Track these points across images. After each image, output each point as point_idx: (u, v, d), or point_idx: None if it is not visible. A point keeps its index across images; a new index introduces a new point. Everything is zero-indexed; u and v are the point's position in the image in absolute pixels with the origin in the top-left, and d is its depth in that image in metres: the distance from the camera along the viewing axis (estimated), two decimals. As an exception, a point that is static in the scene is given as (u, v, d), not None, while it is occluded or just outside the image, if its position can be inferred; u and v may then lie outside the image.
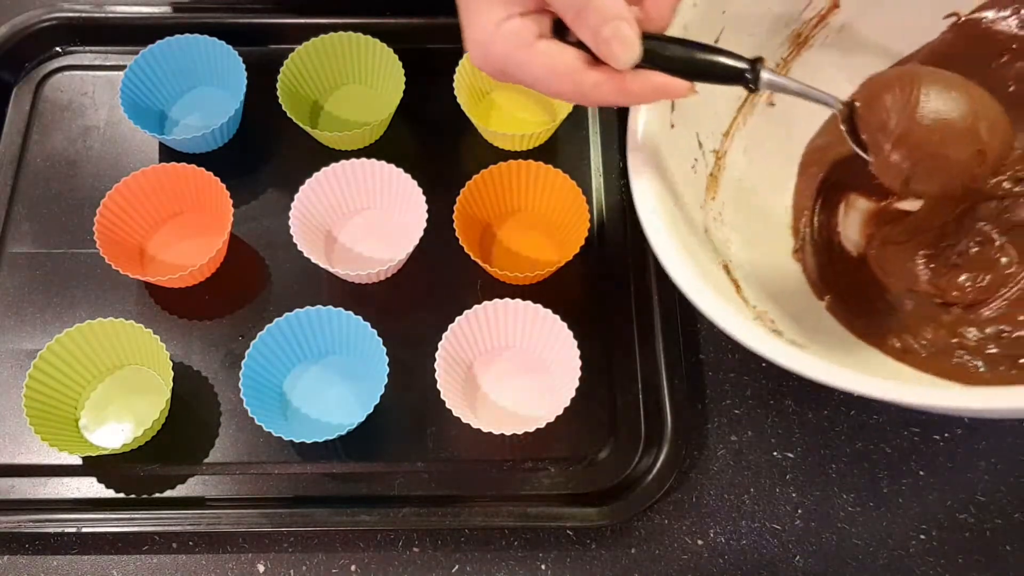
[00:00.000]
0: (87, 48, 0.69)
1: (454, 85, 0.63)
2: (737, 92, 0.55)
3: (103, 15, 0.68)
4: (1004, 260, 0.52)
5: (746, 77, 0.44)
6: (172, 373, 0.55)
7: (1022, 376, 0.49)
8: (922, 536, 0.55)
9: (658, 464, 0.55)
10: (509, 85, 0.67)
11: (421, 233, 0.58)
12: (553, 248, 0.62)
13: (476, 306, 0.56)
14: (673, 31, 0.47)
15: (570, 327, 0.55)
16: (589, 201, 0.62)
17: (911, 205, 0.55)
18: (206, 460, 0.56)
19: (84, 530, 0.54)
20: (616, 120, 0.65)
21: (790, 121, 0.58)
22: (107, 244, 0.58)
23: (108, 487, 0.55)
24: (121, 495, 0.55)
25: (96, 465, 0.56)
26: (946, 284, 0.53)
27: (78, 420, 0.56)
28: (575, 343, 0.55)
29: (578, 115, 0.65)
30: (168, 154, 0.65)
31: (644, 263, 0.60)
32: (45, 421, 0.54)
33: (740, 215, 0.55)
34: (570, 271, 0.60)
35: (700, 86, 0.44)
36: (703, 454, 0.57)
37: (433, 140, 0.66)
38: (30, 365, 0.54)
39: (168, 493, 0.55)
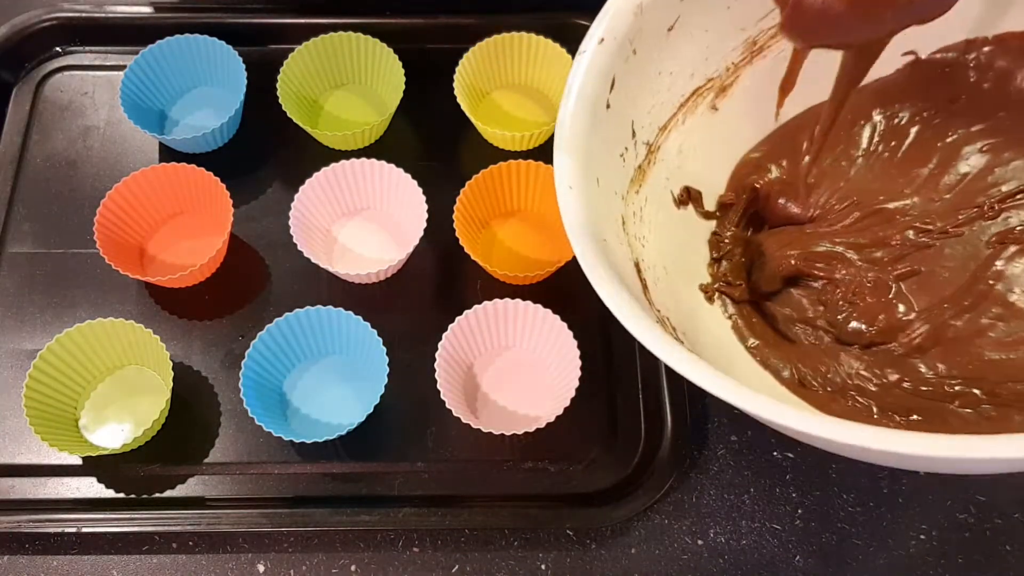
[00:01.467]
0: (87, 48, 0.69)
1: (454, 85, 0.63)
2: (682, 87, 0.54)
3: (103, 15, 0.68)
4: (901, 308, 0.52)
5: None
6: (172, 373, 0.55)
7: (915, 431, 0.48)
8: (922, 536, 0.55)
9: (658, 464, 0.55)
10: (509, 85, 0.67)
11: (421, 233, 0.58)
12: (553, 248, 0.62)
13: (476, 306, 0.56)
14: (628, 8, 0.48)
15: (570, 327, 0.55)
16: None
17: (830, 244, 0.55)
18: (206, 460, 0.56)
19: (84, 530, 0.54)
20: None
21: (730, 129, 0.58)
22: (107, 244, 0.58)
23: (108, 487, 0.55)
24: (121, 495, 0.55)
25: (96, 465, 0.56)
26: (841, 321, 0.53)
27: (78, 420, 0.56)
28: (575, 343, 0.55)
29: (578, 115, 0.65)
30: (168, 154, 0.65)
31: (644, 263, 0.60)
32: (45, 421, 0.54)
33: (660, 215, 0.54)
34: (570, 271, 0.59)
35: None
36: (703, 454, 0.57)
37: (433, 140, 0.66)
38: (30, 365, 0.54)
39: (168, 493, 0.55)
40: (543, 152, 0.65)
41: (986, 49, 0.56)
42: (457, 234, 0.58)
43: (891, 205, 0.55)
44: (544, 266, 0.59)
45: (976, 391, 0.49)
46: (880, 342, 0.52)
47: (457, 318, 0.56)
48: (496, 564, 0.54)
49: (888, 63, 0.57)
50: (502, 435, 0.54)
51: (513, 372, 0.58)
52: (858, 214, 0.56)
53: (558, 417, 0.53)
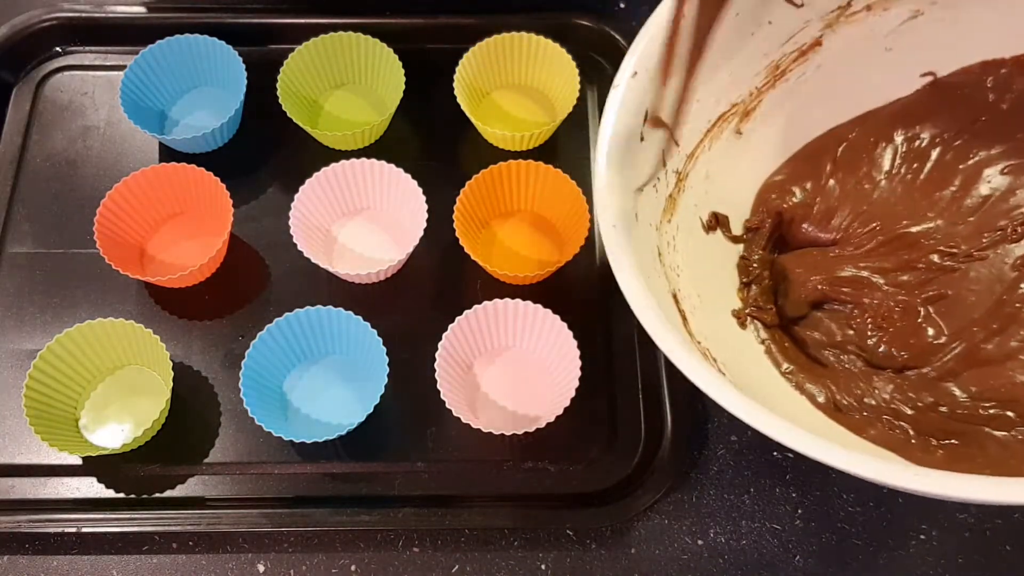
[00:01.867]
0: (87, 48, 0.69)
1: (454, 85, 0.63)
2: (708, 114, 0.54)
3: (103, 15, 0.68)
4: (931, 331, 0.53)
5: None
6: (172, 373, 0.55)
7: (952, 458, 0.49)
8: (922, 536, 0.55)
9: (658, 464, 0.55)
10: (509, 85, 0.67)
11: (421, 233, 0.58)
12: (553, 248, 0.62)
13: (476, 306, 0.56)
14: (656, 41, 0.48)
15: (570, 327, 0.55)
16: (589, 201, 0.62)
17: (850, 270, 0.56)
18: (206, 460, 0.56)
19: (84, 530, 0.54)
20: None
21: (754, 153, 0.58)
22: (107, 244, 0.58)
23: (108, 487, 0.55)
24: (121, 495, 0.55)
25: (96, 465, 0.56)
26: (871, 346, 0.53)
27: (78, 420, 0.56)
28: (575, 343, 0.55)
29: (578, 115, 0.65)
30: (168, 154, 0.65)
31: (644, 263, 0.60)
32: (45, 421, 0.54)
33: (691, 242, 0.54)
34: (570, 271, 0.60)
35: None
36: (703, 454, 0.57)
37: (433, 140, 0.66)
38: (30, 365, 0.54)
39: (168, 493, 0.55)
40: (543, 152, 0.65)
41: (1003, 71, 0.56)
42: (457, 234, 0.58)
43: (915, 229, 0.55)
44: (544, 266, 0.59)
45: (1010, 413, 0.49)
46: (913, 366, 0.52)
47: (457, 318, 0.56)
48: (496, 564, 0.54)
49: (907, 84, 0.58)
50: (502, 435, 0.54)
51: (513, 372, 0.58)
52: (882, 238, 0.56)
53: (558, 417, 0.53)
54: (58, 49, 0.68)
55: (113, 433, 0.56)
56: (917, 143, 0.57)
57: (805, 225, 0.57)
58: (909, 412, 0.51)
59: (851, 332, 0.54)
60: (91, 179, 0.64)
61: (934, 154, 0.57)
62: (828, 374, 0.53)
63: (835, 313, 0.55)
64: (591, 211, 0.61)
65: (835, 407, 0.52)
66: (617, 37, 0.67)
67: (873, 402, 0.52)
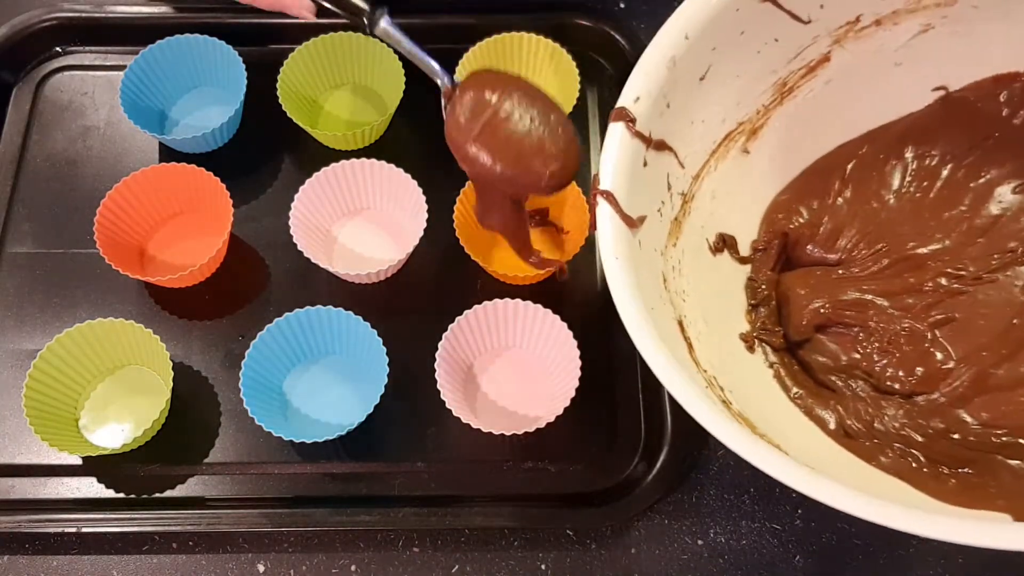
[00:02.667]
0: (87, 48, 0.69)
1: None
2: (714, 134, 0.54)
3: (103, 15, 0.68)
4: (939, 356, 0.51)
5: (363, 21, 0.50)
6: (172, 373, 0.55)
7: (964, 487, 0.48)
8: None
9: (658, 464, 0.55)
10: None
11: (421, 233, 0.58)
12: (553, 248, 0.62)
13: (476, 306, 0.56)
14: (662, 63, 0.48)
15: (570, 327, 0.55)
16: (589, 201, 0.62)
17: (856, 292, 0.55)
18: (206, 460, 0.56)
19: (84, 530, 0.54)
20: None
21: (761, 171, 0.57)
22: (107, 244, 0.58)
23: (108, 487, 0.55)
24: (121, 495, 0.55)
25: (96, 465, 0.56)
26: (879, 371, 0.52)
27: (78, 420, 0.56)
28: (575, 343, 0.55)
29: (579, 116, 0.65)
30: (168, 154, 0.65)
31: (644, 263, 0.60)
32: (45, 421, 0.54)
33: (697, 265, 0.53)
34: (570, 271, 0.60)
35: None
36: (703, 454, 0.57)
37: (433, 140, 0.65)
38: (30, 365, 0.54)
39: (168, 493, 0.55)
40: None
41: (1017, 85, 0.54)
42: (457, 234, 0.58)
43: (922, 250, 0.54)
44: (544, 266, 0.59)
45: (1022, 441, 0.48)
46: (921, 391, 0.51)
47: (457, 318, 0.56)
48: (496, 564, 0.54)
49: (918, 99, 0.56)
50: (502, 435, 0.54)
51: (513, 372, 0.58)
52: (888, 260, 0.55)
53: (558, 417, 0.53)
54: (58, 49, 0.68)
55: (113, 433, 0.56)
56: (927, 161, 0.56)
57: (810, 247, 0.56)
58: (920, 439, 0.50)
59: (857, 356, 0.53)
60: (91, 179, 0.64)
61: (944, 172, 0.56)
62: (837, 399, 0.52)
63: (841, 336, 0.54)
64: (591, 211, 0.61)
65: (845, 434, 0.51)
66: (617, 37, 0.67)
67: (883, 428, 0.50)
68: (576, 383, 0.54)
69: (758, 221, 0.58)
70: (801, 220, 0.57)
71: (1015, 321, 0.51)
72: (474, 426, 0.53)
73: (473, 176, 0.51)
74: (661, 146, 0.50)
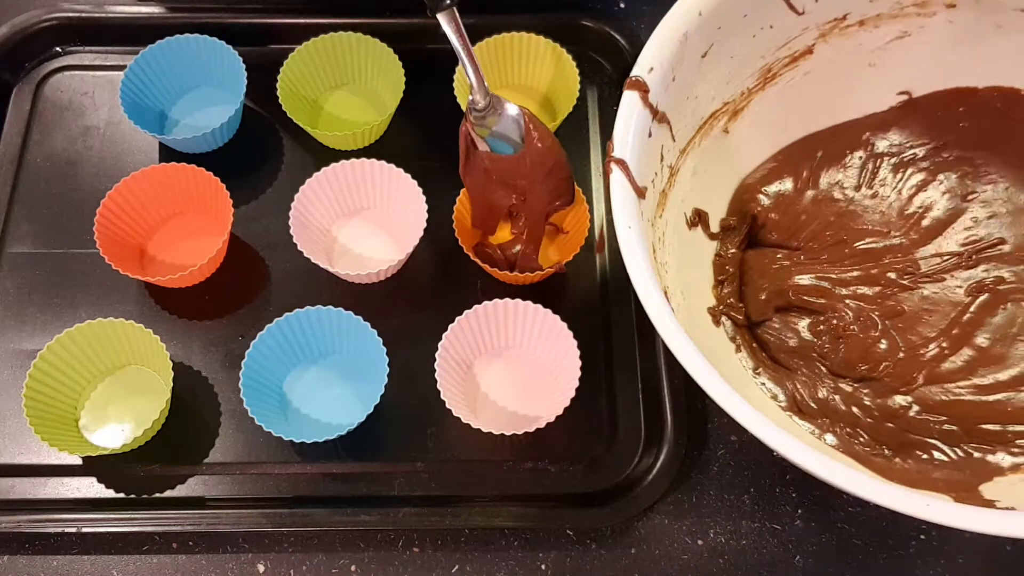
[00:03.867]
0: (87, 48, 0.69)
1: (454, 85, 0.63)
2: (703, 110, 0.55)
3: (103, 15, 0.68)
4: (888, 344, 0.55)
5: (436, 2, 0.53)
6: (172, 373, 0.55)
7: (907, 468, 0.52)
8: (922, 536, 0.55)
9: (658, 464, 0.55)
10: (509, 85, 0.67)
11: (421, 233, 0.58)
12: (553, 248, 0.62)
13: (476, 306, 0.56)
14: (675, 36, 0.50)
15: (570, 327, 0.55)
16: (589, 201, 0.62)
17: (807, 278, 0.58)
18: (206, 460, 0.56)
19: (84, 530, 0.54)
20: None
21: (738, 152, 0.59)
22: (107, 244, 0.58)
23: (108, 487, 0.55)
24: (121, 495, 0.55)
25: (96, 465, 0.56)
26: (832, 354, 0.55)
27: (78, 420, 0.56)
28: (575, 343, 0.55)
29: (578, 115, 0.65)
30: (168, 154, 0.65)
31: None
32: (45, 421, 0.54)
33: (676, 238, 0.55)
34: (570, 271, 0.60)
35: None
36: (703, 454, 0.57)
37: (433, 140, 0.66)
38: (30, 365, 0.54)
39: (168, 493, 0.55)
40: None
41: (975, 100, 0.58)
42: (457, 234, 0.58)
43: (878, 245, 0.58)
44: (544, 266, 0.59)
45: (956, 428, 0.52)
46: (870, 377, 0.54)
47: (457, 318, 0.56)
48: (496, 564, 0.54)
49: (885, 100, 0.60)
50: (502, 435, 0.54)
51: (513, 372, 0.58)
52: (847, 250, 0.58)
53: (558, 417, 0.53)
54: (58, 49, 0.68)
55: (113, 433, 0.56)
56: (889, 160, 0.60)
57: (774, 231, 0.59)
58: (868, 421, 0.53)
59: (812, 339, 0.56)
60: (91, 179, 0.64)
61: (903, 173, 0.59)
62: (792, 377, 0.55)
63: (798, 319, 0.57)
64: (591, 211, 0.61)
65: (799, 410, 0.54)
66: (617, 37, 0.67)
67: (833, 407, 0.54)
68: (576, 383, 0.54)
69: (728, 199, 0.60)
70: (768, 203, 0.59)
71: (957, 318, 0.55)
72: (474, 426, 0.53)
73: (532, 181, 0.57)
74: (663, 119, 0.51)
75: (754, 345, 0.56)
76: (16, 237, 0.62)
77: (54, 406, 0.55)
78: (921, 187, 0.59)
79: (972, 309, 0.55)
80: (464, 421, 0.53)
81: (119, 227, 0.60)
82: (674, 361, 0.57)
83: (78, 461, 0.56)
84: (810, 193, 0.59)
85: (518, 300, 0.56)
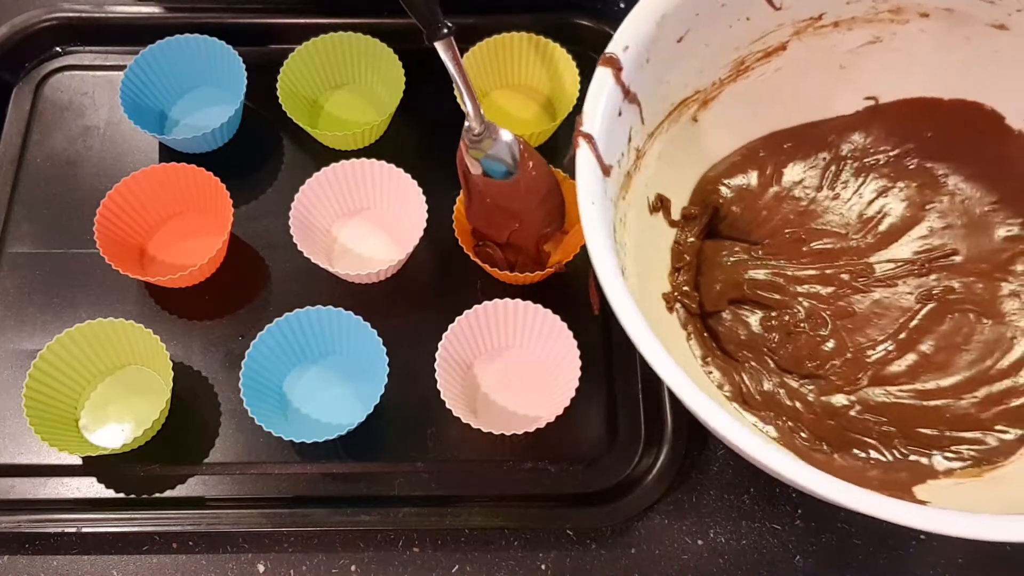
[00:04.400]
0: (87, 48, 0.69)
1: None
2: (673, 97, 0.55)
3: (103, 15, 0.68)
4: (835, 344, 0.56)
5: (429, 31, 0.54)
6: (172, 373, 0.55)
7: (844, 466, 0.53)
8: (922, 536, 0.55)
9: (658, 464, 0.55)
10: (509, 85, 0.67)
11: (421, 233, 0.58)
12: (553, 248, 0.62)
13: (476, 306, 0.56)
14: (651, 18, 0.49)
15: (570, 327, 0.55)
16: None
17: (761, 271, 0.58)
18: (206, 460, 0.56)
19: (84, 530, 0.54)
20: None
21: (704, 142, 0.59)
22: (107, 244, 0.58)
23: (108, 487, 0.56)
24: (121, 495, 0.55)
25: (96, 465, 0.56)
26: (780, 350, 0.56)
27: (78, 420, 0.56)
28: (575, 343, 0.55)
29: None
30: (168, 154, 0.65)
31: (644, 263, 0.60)
32: (45, 421, 0.54)
33: (638, 222, 0.55)
34: (570, 271, 0.60)
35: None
36: (703, 454, 0.57)
37: (433, 140, 0.66)
38: (30, 365, 0.54)
39: (168, 493, 0.55)
40: (543, 152, 0.65)
41: (939, 110, 0.59)
42: (457, 234, 0.58)
43: (834, 246, 0.59)
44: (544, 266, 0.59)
45: (895, 430, 0.53)
46: (816, 375, 0.55)
47: (457, 318, 0.56)
48: (496, 564, 0.54)
49: (851, 103, 0.60)
50: (502, 435, 0.54)
51: (513, 372, 0.58)
52: (805, 249, 0.58)
53: (558, 417, 0.53)
54: (58, 49, 0.68)
55: (113, 433, 0.56)
56: (851, 163, 0.60)
57: (735, 224, 0.59)
58: (809, 417, 0.54)
59: (763, 333, 0.56)
60: (91, 179, 0.64)
61: (864, 177, 0.60)
62: (740, 369, 0.55)
63: (750, 312, 0.57)
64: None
65: (744, 401, 0.54)
66: (617, 37, 0.67)
67: (778, 401, 0.54)
68: (576, 383, 0.54)
69: (690, 189, 0.60)
70: (731, 196, 0.60)
71: (905, 324, 0.56)
72: (474, 426, 0.53)
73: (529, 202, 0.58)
74: (633, 99, 0.51)
75: (705, 335, 0.56)
76: (16, 237, 0.62)
77: (54, 406, 0.55)
78: (881, 193, 0.59)
79: (920, 316, 0.56)
80: (464, 421, 0.53)
81: (119, 227, 0.60)
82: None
83: (78, 461, 0.56)
84: (773, 189, 0.60)
85: (518, 300, 0.56)
